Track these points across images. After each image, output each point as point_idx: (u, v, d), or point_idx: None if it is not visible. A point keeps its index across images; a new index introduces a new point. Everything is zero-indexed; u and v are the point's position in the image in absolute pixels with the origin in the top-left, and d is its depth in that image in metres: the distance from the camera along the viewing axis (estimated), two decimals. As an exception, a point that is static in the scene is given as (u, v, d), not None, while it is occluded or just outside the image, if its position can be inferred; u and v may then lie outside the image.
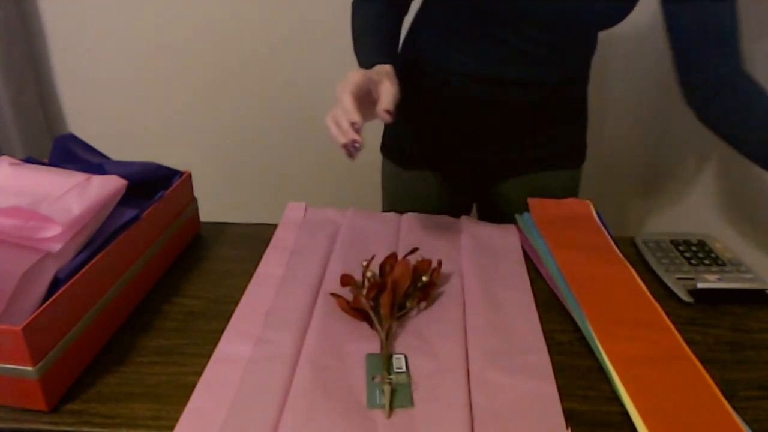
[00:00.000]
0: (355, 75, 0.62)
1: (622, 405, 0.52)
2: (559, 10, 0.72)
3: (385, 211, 1.01)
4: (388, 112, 0.62)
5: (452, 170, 0.95)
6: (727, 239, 0.79)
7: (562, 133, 0.90)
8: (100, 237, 0.59)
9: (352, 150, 0.60)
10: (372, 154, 1.46)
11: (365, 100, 0.63)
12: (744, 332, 0.63)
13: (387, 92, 0.63)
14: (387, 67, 0.68)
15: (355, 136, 0.58)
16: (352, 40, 0.78)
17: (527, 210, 0.84)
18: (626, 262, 0.72)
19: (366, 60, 0.72)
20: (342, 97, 0.60)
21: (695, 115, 0.78)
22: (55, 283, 0.53)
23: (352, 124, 0.59)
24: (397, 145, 0.94)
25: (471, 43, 0.79)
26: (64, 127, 1.54)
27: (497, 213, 0.96)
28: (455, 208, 1.00)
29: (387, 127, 0.98)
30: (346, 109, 0.59)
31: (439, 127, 0.90)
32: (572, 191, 0.94)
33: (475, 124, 0.87)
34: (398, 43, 0.82)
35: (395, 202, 0.99)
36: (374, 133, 1.22)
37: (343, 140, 0.60)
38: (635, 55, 1.32)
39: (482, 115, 0.85)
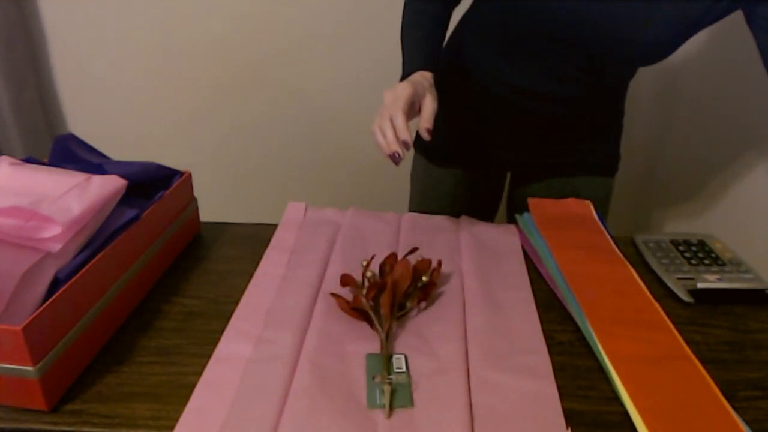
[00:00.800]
0: (405, 91, 0.67)
1: (622, 405, 0.52)
2: (607, 46, 0.73)
3: (413, 206, 1.03)
4: (428, 130, 0.67)
5: (484, 170, 0.96)
6: (727, 239, 0.79)
7: (597, 141, 0.91)
8: (100, 237, 0.59)
9: (396, 159, 0.65)
10: (372, 155, 1.46)
11: (408, 109, 0.68)
12: (744, 332, 0.63)
13: (428, 107, 0.67)
14: (429, 77, 0.72)
15: (399, 149, 0.65)
16: (401, 27, 0.81)
17: (528, 210, 0.84)
18: (626, 262, 0.72)
19: (409, 59, 0.76)
20: (395, 115, 0.65)
21: None
22: (55, 283, 0.53)
23: (404, 142, 0.64)
24: (431, 142, 0.95)
25: (517, 57, 0.80)
26: (64, 127, 1.54)
27: None
28: (483, 208, 1.01)
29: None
30: (399, 128, 0.65)
31: (474, 128, 0.91)
32: (604, 200, 0.94)
33: (511, 130, 0.88)
34: (444, 36, 0.83)
35: (424, 198, 1.00)
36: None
37: (387, 151, 0.65)
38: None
39: (519, 122, 0.86)
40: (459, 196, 0.97)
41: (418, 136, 1.00)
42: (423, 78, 0.71)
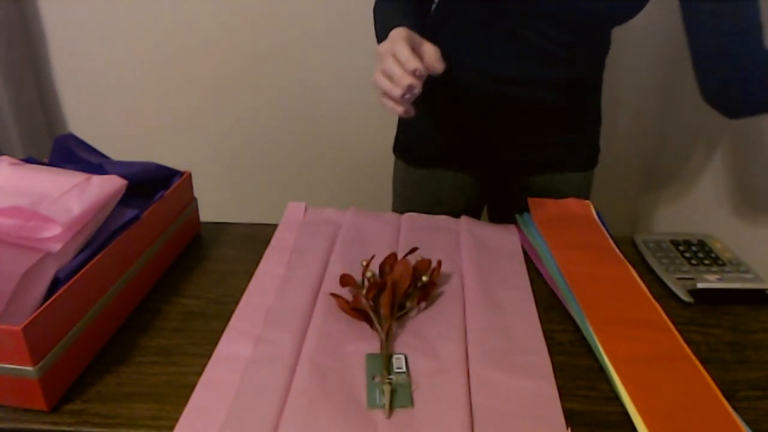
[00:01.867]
0: (401, 32, 0.60)
1: (622, 405, 0.52)
2: (570, 6, 0.72)
3: (395, 210, 1.02)
4: (441, 62, 0.60)
5: (465, 170, 0.95)
6: (727, 239, 0.79)
7: (576, 135, 0.91)
8: (100, 237, 0.59)
9: (409, 96, 0.57)
10: (372, 154, 1.46)
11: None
12: (744, 332, 0.63)
13: (430, 49, 0.61)
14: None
15: (412, 81, 0.57)
16: (376, 32, 0.79)
17: (528, 210, 0.84)
18: (626, 262, 0.72)
19: (388, 24, 0.69)
20: (396, 47, 0.58)
21: (713, 107, 0.77)
22: (55, 283, 0.53)
23: (414, 71, 0.57)
24: (410, 144, 0.94)
25: (487, 41, 0.80)
26: (64, 128, 1.54)
27: (508, 215, 0.96)
28: (466, 210, 1.00)
29: (401, 126, 0.98)
30: (405, 57, 0.57)
31: (453, 125, 0.90)
32: (585, 193, 0.94)
33: (489, 124, 0.87)
34: (419, 19, 0.81)
35: (405, 201, 0.99)
36: (375, 133, 1.20)
37: (398, 91, 0.57)
38: (635, 54, 1.32)
39: (497, 114, 0.85)
40: (441, 198, 0.96)
41: (398, 142, 0.99)
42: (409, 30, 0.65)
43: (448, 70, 0.84)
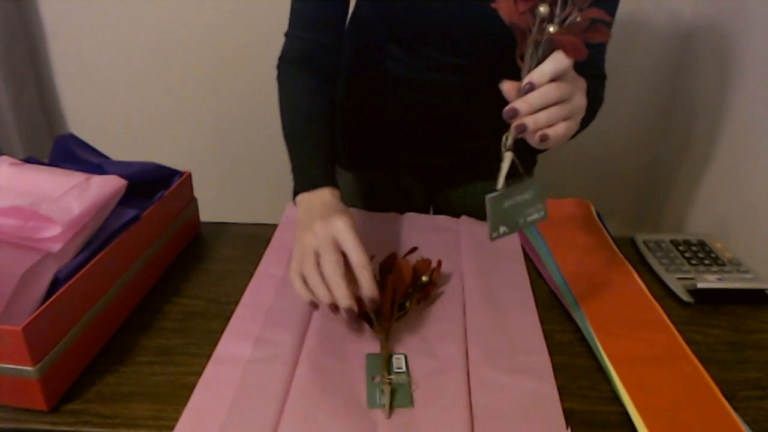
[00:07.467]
0: (346, 221, 0.61)
1: (622, 405, 0.52)
2: (460, 31, 0.72)
3: None
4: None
5: (400, 176, 0.93)
6: (727, 239, 0.79)
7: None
8: (100, 237, 0.59)
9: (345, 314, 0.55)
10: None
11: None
12: (744, 332, 0.63)
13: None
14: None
15: (353, 305, 0.55)
16: (285, 128, 0.78)
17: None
18: (626, 262, 0.72)
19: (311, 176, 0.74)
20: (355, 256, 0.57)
21: None
22: (55, 283, 0.53)
23: (371, 300, 0.56)
24: (343, 149, 0.93)
25: (397, 53, 0.79)
26: (64, 127, 1.54)
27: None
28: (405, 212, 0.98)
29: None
30: (368, 284, 0.56)
31: (382, 131, 0.88)
32: None
33: (417, 130, 0.85)
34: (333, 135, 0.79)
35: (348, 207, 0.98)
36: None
37: (337, 301, 0.55)
38: (635, 55, 1.32)
39: (423, 120, 0.83)
40: (383, 203, 0.93)
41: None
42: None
43: (369, 76, 0.84)
